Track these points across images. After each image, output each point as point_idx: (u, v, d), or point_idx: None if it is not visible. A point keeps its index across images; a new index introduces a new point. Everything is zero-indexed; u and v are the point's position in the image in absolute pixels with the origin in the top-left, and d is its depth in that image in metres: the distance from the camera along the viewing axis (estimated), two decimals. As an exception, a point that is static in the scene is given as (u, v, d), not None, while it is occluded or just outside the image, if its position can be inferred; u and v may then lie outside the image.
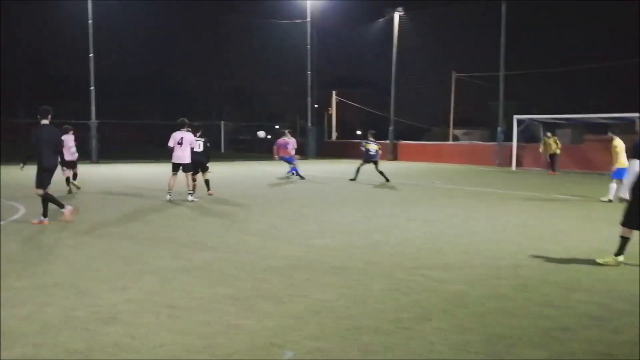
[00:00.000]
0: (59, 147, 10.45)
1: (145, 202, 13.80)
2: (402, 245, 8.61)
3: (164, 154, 23.83)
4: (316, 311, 5.39)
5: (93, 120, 31.46)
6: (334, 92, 46.93)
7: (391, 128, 37.41)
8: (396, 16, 37.17)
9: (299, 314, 5.32)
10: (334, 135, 46.86)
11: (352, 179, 19.58)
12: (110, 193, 15.80)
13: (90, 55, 31.18)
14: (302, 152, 36.68)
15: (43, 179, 10.16)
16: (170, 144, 13.73)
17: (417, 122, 45.20)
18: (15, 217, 11.12)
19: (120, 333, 4.75)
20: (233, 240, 8.95)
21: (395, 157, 36.74)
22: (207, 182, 15.13)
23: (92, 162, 30.28)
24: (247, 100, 64.97)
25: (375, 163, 19.43)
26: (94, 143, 31.18)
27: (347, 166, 30.97)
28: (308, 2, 38.71)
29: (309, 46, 39.06)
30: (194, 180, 14.17)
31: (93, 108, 31.46)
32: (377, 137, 20.85)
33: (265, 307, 5.48)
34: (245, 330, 4.86)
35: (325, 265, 7.27)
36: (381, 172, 18.94)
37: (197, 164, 14.42)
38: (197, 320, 5.09)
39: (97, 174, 22.82)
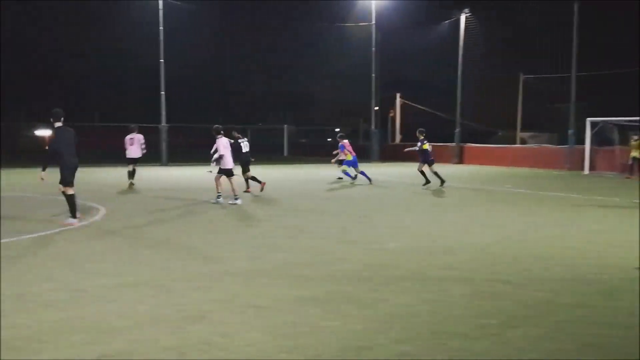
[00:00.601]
0: (76, 146, 10.58)
1: (212, 204, 14.08)
2: (478, 251, 8.48)
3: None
4: (399, 315, 5.38)
5: (163, 124, 32.39)
6: (397, 95, 46.59)
7: (457, 130, 36.84)
8: (462, 17, 36.62)
9: (382, 317, 5.32)
10: (398, 138, 46.51)
11: (425, 184, 18.49)
12: (180, 194, 16.21)
13: (161, 60, 32.12)
14: (366, 155, 36.70)
15: (66, 177, 10.36)
16: (221, 151, 13.88)
17: (483, 125, 44.40)
18: (96, 217, 11.56)
19: (210, 331, 4.88)
20: (306, 243, 9.04)
21: (460, 161, 36.16)
22: (253, 178, 15.99)
23: (162, 164, 31.16)
24: (309, 103, 65.48)
25: (432, 163, 18.66)
26: (164, 146, 32.06)
27: (411, 169, 30.76)
28: (373, 2, 38.60)
29: (373, 49, 38.96)
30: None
31: (163, 112, 32.39)
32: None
33: (348, 310, 5.51)
34: (331, 332, 4.91)
35: (401, 269, 7.24)
36: (436, 173, 18.53)
37: (246, 163, 15.86)
38: (282, 321, 5.18)
39: (167, 176, 23.49)
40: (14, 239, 9.01)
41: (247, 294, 6.03)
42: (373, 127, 40.27)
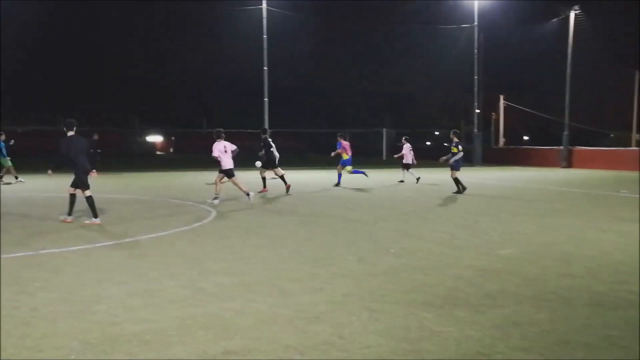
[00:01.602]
0: (88, 152, 11.36)
1: (317, 207, 14.28)
2: (597, 258, 8.08)
3: (326, 160, 24.65)
4: (517, 323, 5.23)
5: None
6: (501, 97, 45.24)
7: (566, 133, 35.25)
8: (572, 15, 35.01)
9: (500, 324, 5.20)
10: (502, 141, 45.15)
11: (457, 192, 17.68)
12: (285, 198, 16.58)
13: (265, 68, 33.04)
14: (468, 159, 35.88)
15: (83, 181, 11.19)
16: (215, 153, 14.84)
17: (593, 127, 42.19)
18: (208, 219, 12.06)
19: (328, 332, 4.97)
20: (414, 246, 8.97)
21: (569, 164, 34.58)
22: (281, 177, 17.85)
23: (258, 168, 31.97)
24: (408, 106, 64.93)
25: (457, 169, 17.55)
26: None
27: (516, 173, 29.80)
28: (475, 2, 37.75)
29: (475, 50, 38.10)
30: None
31: (266, 118, 33.28)
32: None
33: (463, 316, 5.43)
34: (448, 337, 4.86)
35: (515, 276, 7.03)
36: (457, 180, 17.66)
37: (273, 162, 17.78)
38: (397, 324, 5.18)
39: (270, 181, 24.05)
40: (135, 238, 9.59)
41: (359, 296, 6.08)
42: (476, 130, 39.35)
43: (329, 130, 46.14)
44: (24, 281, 6.73)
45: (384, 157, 47.74)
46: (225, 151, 14.95)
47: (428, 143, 60.52)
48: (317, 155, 46.91)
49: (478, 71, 38.58)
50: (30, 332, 5.00)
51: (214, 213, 12.91)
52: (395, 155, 20.35)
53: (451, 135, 17.89)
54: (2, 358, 4.41)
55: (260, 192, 17.41)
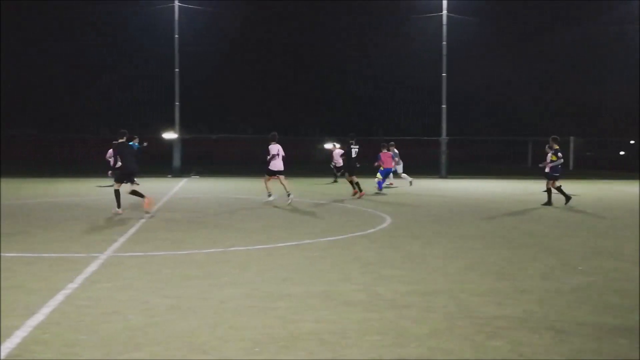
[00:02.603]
0: (134, 156, 14.15)
1: (494, 218, 13.69)
2: None
3: (516, 171, 23.68)
4: None
5: (444, 137, 32.80)
6: None
7: None
8: None
9: None
10: None
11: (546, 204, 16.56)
12: (459, 207, 16.15)
13: (443, 75, 32.62)
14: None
15: (121, 178, 14.02)
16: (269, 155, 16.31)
17: None
18: (382, 226, 12.14)
19: (507, 349, 4.72)
20: (607, 265, 8.22)
21: None
22: (357, 184, 18.55)
23: (441, 176, 31.56)
24: (595, 113, 60.06)
25: (556, 178, 16.52)
26: (443, 159, 32.44)
27: None
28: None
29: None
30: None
31: (444, 125, 32.82)
32: None
33: (666, 345, 4.85)
34: (648, 368, 4.37)
35: None
36: (554, 190, 16.55)
37: (352, 168, 18.78)
38: (587, 348, 4.77)
39: (445, 188, 23.65)
40: (314, 240, 9.94)
41: (542, 314, 5.70)
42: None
43: (515, 138, 44.26)
44: (215, 275, 7.29)
45: (570, 167, 44.65)
46: (278, 154, 16.19)
47: (622, 153, 55.53)
48: (495, 164, 45.26)
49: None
50: (219, 322, 5.38)
51: (388, 220, 12.97)
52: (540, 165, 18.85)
53: (550, 142, 16.58)
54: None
55: (355, 196, 18.55)
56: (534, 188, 24.45)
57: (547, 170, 16.62)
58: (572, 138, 46.99)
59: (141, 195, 13.73)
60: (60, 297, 6.20)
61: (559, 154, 16.38)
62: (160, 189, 21.09)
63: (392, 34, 48.02)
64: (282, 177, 16.51)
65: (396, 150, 22.82)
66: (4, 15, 41.66)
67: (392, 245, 9.67)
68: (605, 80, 54.77)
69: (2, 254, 8.49)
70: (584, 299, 6.33)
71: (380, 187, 21.01)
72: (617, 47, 45.81)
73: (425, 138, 34.85)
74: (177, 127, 32.77)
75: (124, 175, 14.05)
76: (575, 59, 54.05)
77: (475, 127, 49.54)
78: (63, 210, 14.76)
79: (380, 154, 21.45)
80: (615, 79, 52.28)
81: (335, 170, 25.72)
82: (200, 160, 36.74)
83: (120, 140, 13.93)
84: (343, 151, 23.53)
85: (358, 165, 19.09)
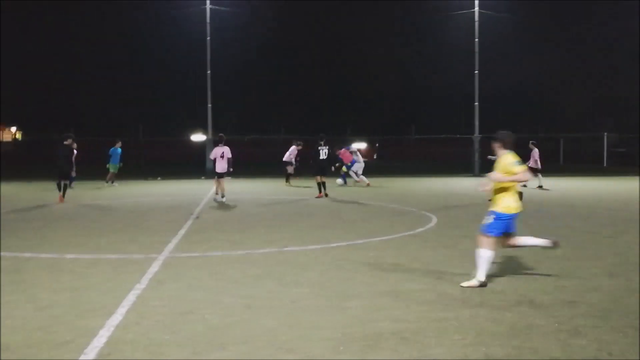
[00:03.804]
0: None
1: (549, 217, 13.54)
2: None
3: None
4: None
5: (476, 135, 32.55)
6: None
7: None
8: None
9: None
10: None
11: None
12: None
13: (476, 72, 32.38)
14: None
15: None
16: (212, 157, 17.28)
17: None
18: (430, 225, 12.10)
19: (594, 347, 4.68)
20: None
21: None
22: (323, 184, 18.63)
23: (474, 175, 31.29)
24: (632, 108, 58.91)
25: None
26: (476, 157, 32.17)
27: None
28: None
29: None
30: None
31: (476, 123, 32.55)
32: None
33: None
34: None
35: None
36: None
37: (323, 169, 18.90)
38: (675, 347, 4.70)
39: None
40: (367, 240, 9.96)
41: (618, 313, 5.63)
42: None
43: (547, 135, 43.75)
44: (278, 275, 7.34)
45: (604, 164, 43.94)
46: (222, 156, 16.80)
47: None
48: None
49: None
50: (296, 321, 5.42)
51: (434, 219, 12.91)
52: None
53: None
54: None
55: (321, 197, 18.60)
56: (566, 185, 24.15)
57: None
58: (605, 134, 46.30)
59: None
60: (131, 297, 6.31)
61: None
62: (198, 191, 21.28)
63: (423, 31, 47.91)
64: (222, 180, 17.11)
65: (356, 150, 24.27)
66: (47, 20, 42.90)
67: (445, 245, 9.63)
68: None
69: (64, 256, 8.67)
70: (658, 297, 6.24)
71: (344, 181, 23.46)
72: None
73: (458, 136, 34.60)
74: (209, 128, 33.02)
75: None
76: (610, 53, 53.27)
77: (508, 124, 48.96)
78: (107, 212, 14.98)
79: (339, 152, 23.09)
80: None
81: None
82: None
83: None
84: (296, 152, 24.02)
85: (334, 168, 21.12)
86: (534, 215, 13.79)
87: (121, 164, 24.09)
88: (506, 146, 6.83)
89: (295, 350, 4.68)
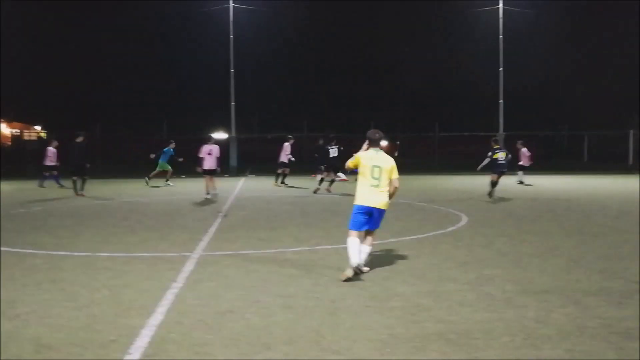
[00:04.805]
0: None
1: (577, 214, 13.33)
2: None
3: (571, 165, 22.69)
4: None
5: (501, 132, 32.23)
6: None
7: None
8: None
9: None
10: None
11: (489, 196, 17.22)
12: (535, 203, 15.79)
13: (500, 69, 32.05)
14: None
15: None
16: (201, 154, 16.97)
17: None
18: (462, 223, 11.96)
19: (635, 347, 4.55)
20: None
21: None
22: (332, 182, 19.70)
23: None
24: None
25: (503, 174, 17.22)
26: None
27: None
28: None
29: None
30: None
31: (501, 120, 32.24)
32: None
33: None
34: None
35: None
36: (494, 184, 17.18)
37: (333, 168, 19.58)
38: None
39: (508, 185, 23.20)
40: (398, 239, 9.85)
41: None
42: None
43: (572, 133, 43.21)
44: (314, 274, 7.27)
45: (630, 162, 43.23)
46: (210, 153, 16.89)
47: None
48: (548, 160, 44.24)
49: None
50: (339, 322, 5.35)
51: (464, 218, 12.76)
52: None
53: (491, 143, 17.84)
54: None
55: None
56: (593, 183, 23.80)
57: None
58: (631, 132, 45.55)
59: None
60: (170, 296, 6.29)
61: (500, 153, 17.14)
62: (225, 188, 21.31)
63: (448, 28, 47.55)
64: (209, 177, 17.21)
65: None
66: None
67: (479, 244, 9.49)
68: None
69: (98, 254, 8.70)
70: None
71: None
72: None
73: (482, 134, 34.20)
74: (232, 126, 33.10)
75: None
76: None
77: (531, 122, 48.35)
78: (136, 210, 15.04)
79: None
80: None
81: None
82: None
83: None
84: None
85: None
86: (564, 213, 13.60)
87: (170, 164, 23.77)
88: (371, 144, 7.22)
89: (341, 352, 4.62)
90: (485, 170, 17.60)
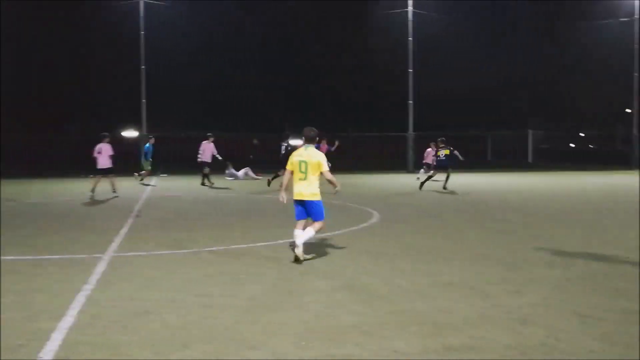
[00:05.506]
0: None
1: (490, 209, 14.02)
2: None
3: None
4: None
5: (410, 132, 33.23)
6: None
7: None
8: None
9: None
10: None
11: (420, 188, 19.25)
12: (455, 201, 16.45)
13: (410, 70, 33.06)
14: (628, 162, 33.60)
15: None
16: (94, 154, 17.29)
17: None
18: (373, 220, 12.31)
19: (542, 334, 4.93)
20: (601, 252, 8.56)
21: None
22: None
23: (408, 171, 31.95)
24: (556, 107, 61.54)
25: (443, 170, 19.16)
26: (410, 154, 32.88)
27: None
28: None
29: (636, 45, 35.48)
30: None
31: (411, 120, 33.23)
32: None
33: (688, 326, 5.13)
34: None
35: None
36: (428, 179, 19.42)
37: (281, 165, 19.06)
38: (615, 330, 5.01)
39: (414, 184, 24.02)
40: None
41: (561, 300, 5.94)
42: (635, 131, 36.61)
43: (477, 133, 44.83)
44: (230, 272, 7.32)
45: (529, 159, 45.82)
46: (100, 152, 17.23)
47: (572, 145, 57.01)
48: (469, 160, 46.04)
49: (638, 67, 35.86)
50: (256, 318, 5.43)
51: (376, 215, 13.12)
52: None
53: (438, 143, 19.87)
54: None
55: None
56: (497, 180, 25.04)
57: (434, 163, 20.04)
58: (530, 132, 48.19)
59: None
60: (82, 298, 6.14)
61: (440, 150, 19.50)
62: (135, 188, 20.78)
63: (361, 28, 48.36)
64: (100, 176, 17.48)
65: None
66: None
67: (391, 239, 9.83)
68: (571, 75, 56.22)
69: (1, 257, 8.32)
70: (594, 284, 6.62)
71: None
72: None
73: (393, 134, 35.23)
74: (143, 124, 32.26)
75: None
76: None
77: (439, 123, 50.13)
78: (49, 211, 14.44)
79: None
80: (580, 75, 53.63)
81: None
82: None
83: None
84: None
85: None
86: (469, 209, 14.23)
87: (151, 160, 23.52)
88: (307, 140, 8.04)
89: (258, 347, 4.70)
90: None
